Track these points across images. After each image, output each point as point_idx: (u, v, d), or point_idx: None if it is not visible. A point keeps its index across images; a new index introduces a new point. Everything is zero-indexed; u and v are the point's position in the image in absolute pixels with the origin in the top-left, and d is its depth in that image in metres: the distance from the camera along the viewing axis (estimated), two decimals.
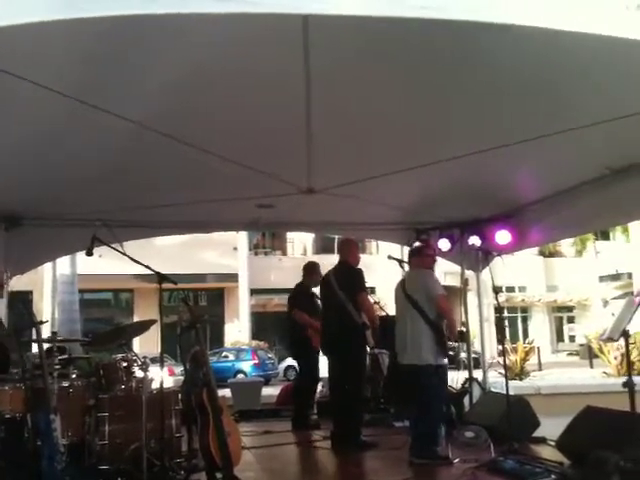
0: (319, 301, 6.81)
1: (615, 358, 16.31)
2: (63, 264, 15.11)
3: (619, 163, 4.81)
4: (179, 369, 15.31)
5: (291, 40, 2.81)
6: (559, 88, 3.48)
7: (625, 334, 3.70)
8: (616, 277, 33.06)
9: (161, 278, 4.48)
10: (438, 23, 2.46)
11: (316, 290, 7.14)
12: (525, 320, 36.26)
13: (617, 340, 3.86)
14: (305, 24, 2.69)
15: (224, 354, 23.87)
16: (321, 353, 6.84)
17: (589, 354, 22.54)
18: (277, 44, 2.88)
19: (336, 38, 2.82)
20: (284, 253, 31.55)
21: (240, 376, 20.40)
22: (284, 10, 2.28)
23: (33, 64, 2.86)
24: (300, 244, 31.21)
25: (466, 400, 7.18)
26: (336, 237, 24.12)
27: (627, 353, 4.11)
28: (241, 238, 27.25)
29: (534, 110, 3.82)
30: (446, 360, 5.39)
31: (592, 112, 3.75)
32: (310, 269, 7.48)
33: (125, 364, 5.15)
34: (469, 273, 7.94)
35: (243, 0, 2.17)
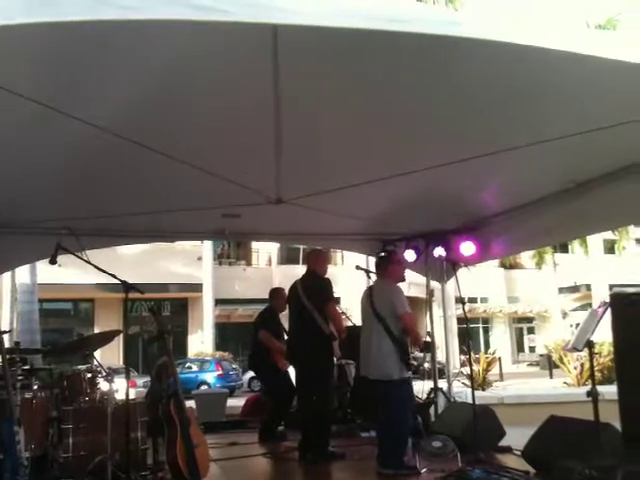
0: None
1: (575, 368, 16.60)
2: (23, 273, 14.78)
3: (583, 176, 4.93)
4: (141, 380, 15.11)
5: (260, 50, 2.83)
6: (523, 103, 3.56)
7: (589, 344, 3.78)
8: (575, 289, 33.76)
9: (127, 287, 4.40)
10: (406, 36, 2.49)
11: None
12: (487, 331, 36.76)
13: (581, 350, 3.92)
14: (274, 35, 2.71)
15: (187, 365, 23.60)
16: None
17: (549, 364, 22.90)
18: (246, 54, 2.89)
19: (305, 50, 2.85)
20: (249, 263, 31.43)
21: (204, 387, 20.21)
22: (252, 19, 2.28)
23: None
24: (265, 254, 31.15)
25: (432, 410, 7.23)
26: (301, 247, 24.13)
27: (591, 363, 4.16)
28: (205, 248, 27.06)
29: (499, 124, 3.91)
30: (410, 373, 5.39)
31: (555, 127, 3.84)
32: (274, 294, 7.54)
33: (89, 375, 5.06)
34: (434, 284, 8.01)
35: (211, 8, 2.17)
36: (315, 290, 5.96)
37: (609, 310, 4.24)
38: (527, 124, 3.88)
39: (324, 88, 3.39)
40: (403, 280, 5.66)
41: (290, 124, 3.77)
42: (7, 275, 15.28)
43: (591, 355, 3.87)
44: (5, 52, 2.60)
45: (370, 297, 5.51)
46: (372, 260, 7.45)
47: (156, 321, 4.40)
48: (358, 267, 6.54)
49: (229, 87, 3.33)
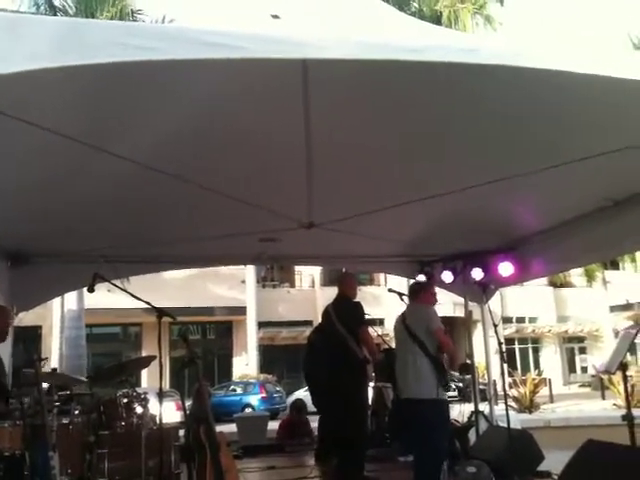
0: None
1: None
2: (71, 299, 15.16)
3: (619, 194, 4.84)
4: (188, 403, 15.23)
5: (291, 81, 2.91)
6: (556, 123, 3.54)
7: (623, 366, 3.69)
8: (627, 307, 32.74)
9: (160, 313, 4.49)
10: (434, 65, 2.53)
11: None
12: (536, 351, 35.93)
13: (614, 373, 3.85)
14: (304, 67, 2.79)
15: (232, 388, 23.72)
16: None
17: (601, 386, 22.28)
18: (278, 85, 2.96)
19: (334, 78, 2.90)
20: (292, 285, 31.50)
21: (248, 410, 20.25)
22: (282, 55, 2.36)
23: (40, 109, 2.94)
24: (308, 276, 31.17)
25: (473, 434, 7.10)
26: (344, 269, 24.06)
27: (625, 386, 4.06)
28: (249, 271, 27.24)
29: (533, 144, 3.88)
30: (447, 394, 5.32)
31: (588, 146, 3.79)
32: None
33: (125, 400, 5.14)
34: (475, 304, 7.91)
35: (242, 47, 2.25)
36: (347, 314, 5.95)
37: None
38: (559, 144, 3.85)
39: (353, 115, 3.44)
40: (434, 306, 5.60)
41: (320, 150, 3.82)
42: (57, 301, 15.68)
43: (625, 377, 3.78)
44: (50, 96, 2.73)
45: (404, 319, 5.48)
46: (411, 282, 7.39)
47: (186, 347, 4.46)
48: (391, 290, 6.53)
49: (262, 119, 3.41)
